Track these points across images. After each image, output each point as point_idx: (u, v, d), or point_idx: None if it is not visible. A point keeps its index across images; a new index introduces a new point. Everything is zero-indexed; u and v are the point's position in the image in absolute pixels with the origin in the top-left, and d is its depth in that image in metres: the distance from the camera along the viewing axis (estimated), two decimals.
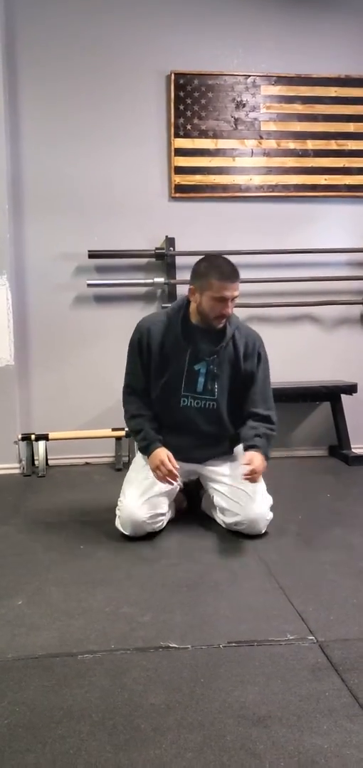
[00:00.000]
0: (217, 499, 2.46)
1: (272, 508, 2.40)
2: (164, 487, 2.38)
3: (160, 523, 2.40)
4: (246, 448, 2.34)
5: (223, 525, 2.44)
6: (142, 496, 2.34)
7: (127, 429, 3.13)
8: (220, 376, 2.39)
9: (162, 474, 2.30)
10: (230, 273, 2.25)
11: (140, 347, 2.40)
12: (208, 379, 2.39)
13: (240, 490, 2.37)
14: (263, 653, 1.56)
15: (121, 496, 2.41)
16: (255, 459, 2.27)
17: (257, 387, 2.43)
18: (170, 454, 2.32)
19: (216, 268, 2.25)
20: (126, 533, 2.36)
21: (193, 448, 2.47)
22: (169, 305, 2.56)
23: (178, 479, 2.37)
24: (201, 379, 2.39)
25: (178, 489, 2.51)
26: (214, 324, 2.32)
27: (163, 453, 2.32)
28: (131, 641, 1.63)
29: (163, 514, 2.40)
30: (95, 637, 1.65)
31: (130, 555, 2.23)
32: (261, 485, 2.40)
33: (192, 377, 2.38)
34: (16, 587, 1.98)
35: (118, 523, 2.40)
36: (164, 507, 2.41)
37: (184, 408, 2.41)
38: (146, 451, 2.38)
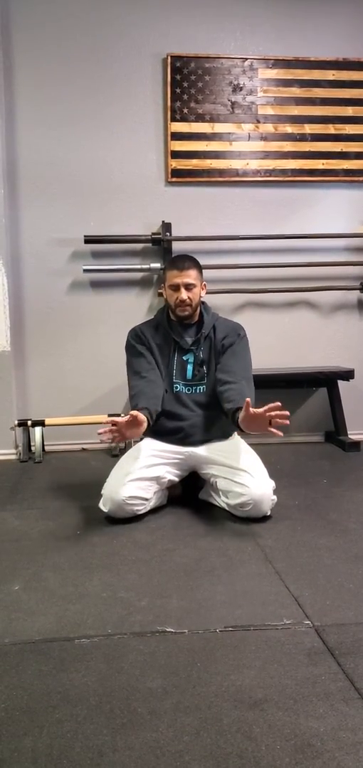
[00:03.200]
0: (220, 483, 2.47)
1: (274, 493, 2.41)
2: (152, 472, 2.43)
3: (142, 508, 2.41)
4: (237, 410, 2.28)
5: (227, 508, 2.45)
6: (126, 476, 2.38)
7: (123, 414, 3.11)
8: (206, 362, 2.59)
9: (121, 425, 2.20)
10: (179, 262, 2.55)
11: (140, 342, 2.61)
12: (195, 366, 2.59)
13: (241, 470, 2.38)
14: (259, 638, 1.57)
15: (108, 478, 2.44)
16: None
17: (235, 359, 2.53)
18: (140, 416, 2.24)
19: (171, 261, 2.63)
20: (105, 511, 2.39)
21: (190, 430, 2.53)
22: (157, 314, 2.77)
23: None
24: (189, 367, 2.59)
25: (167, 479, 2.52)
26: (178, 313, 2.56)
27: (139, 414, 2.26)
28: (128, 626, 1.63)
29: (145, 499, 2.41)
30: (92, 622, 1.65)
31: (127, 540, 2.23)
32: (261, 467, 2.43)
33: (181, 366, 2.60)
34: (12, 572, 1.99)
35: (101, 503, 2.43)
36: (147, 493, 2.43)
37: (178, 393, 2.58)
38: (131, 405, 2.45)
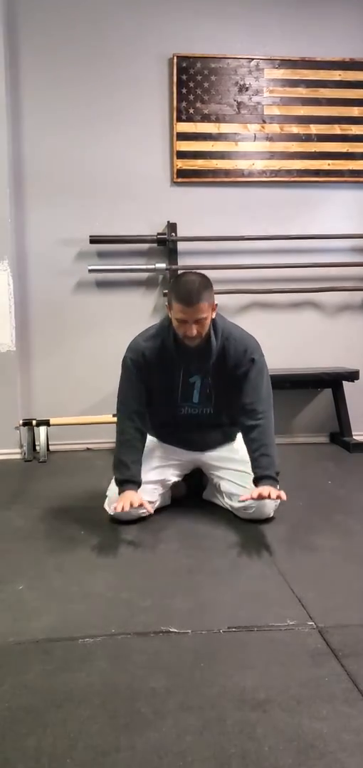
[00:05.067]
0: (224, 485, 2.47)
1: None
2: (157, 475, 2.44)
3: (145, 511, 2.39)
4: (253, 478, 2.31)
5: (231, 509, 2.45)
6: None
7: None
8: (214, 386, 2.43)
9: (123, 507, 2.21)
10: (187, 296, 2.19)
11: (137, 367, 2.37)
12: (203, 391, 2.43)
13: (246, 473, 2.38)
14: (263, 638, 1.57)
15: (113, 480, 2.42)
16: (264, 489, 2.22)
17: (248, 386, 2.36)
18: (143, 500, 2.28)
19: (177, 289, 2.24)
20: (110, 512, 2.38)
21: (194, 438, 2.51)
22: (154, 325, 2.50)
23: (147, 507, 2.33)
24: (196, 392, 2.43)
25: (172, 480, 2.53)
26: (186, 342, 2.30)
27: (134, 496, 2.26)
28: (132, 626, 1.63)
29: (150, 502, 2.39)
30: (96, 622, 1.66)
31: (131, 541, 2.23)
32: None
33: (188, 389, 2.43)
34: (17, 572, 1.99)
35: (106, 503, 2.43)
36: (152, 496, 2.43)
37: (183, 414, 2.48)
38: (119, 485, 2.33)
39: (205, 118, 3.75)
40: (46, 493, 2.89)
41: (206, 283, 2.25)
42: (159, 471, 2.47)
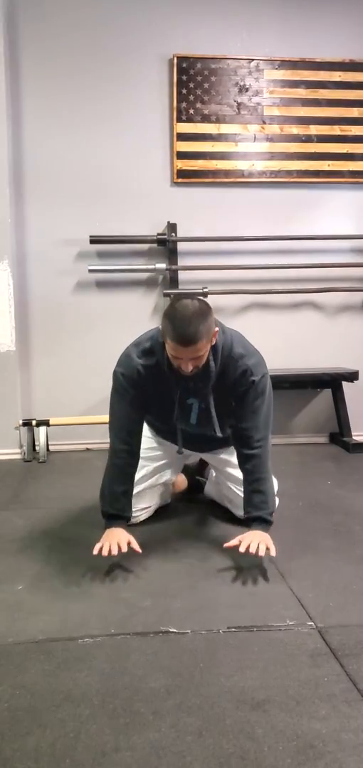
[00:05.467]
0: (224, 489, 2.45)
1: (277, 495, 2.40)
2: (157, 480, 2.39)
3: (143, 515, 2.38)
4: (245, 516, 2.13)
5: (231, 508, 2.44)
6: None
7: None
8: (211, 408, 2.15)
9: (111, 549, 1.95)
10: (182, 336, 1.89)
11: (131, 384, 2.10)
12: (201, 414, 2.18)
13: None
14: (262, 639, 1.57)
15: None
16: (252, 538, 1.98)
17: (247, 409, 2.11)
18: (131, 539, 2.00)
19: (172, 325, 1.91)
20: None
21: (194, 445, 2.38)
22: (148, 335, 2.17)
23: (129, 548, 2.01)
24: (194, 414, 2.20)
25: (172, 480, 2.50)
26: (182, 372, 2.00)
27: (122, 536, 2.00)
28: (131, 626, 1.63)
29: (145, 508, 2.39)
30: (95, 622, 1.66)
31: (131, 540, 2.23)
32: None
33: (185, 410, 2.18)
34: (16, 572, 1.99)
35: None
36: (151, 500, 2.41)
37: (181, 430, 2.24)
38: (106, 519, 2.09)
39: (205, 119, 3.75)
40: (46, 494, 2.90)
41: (204, 316, 1.92)
42: (159, 476, 2.42)
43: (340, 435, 3.82)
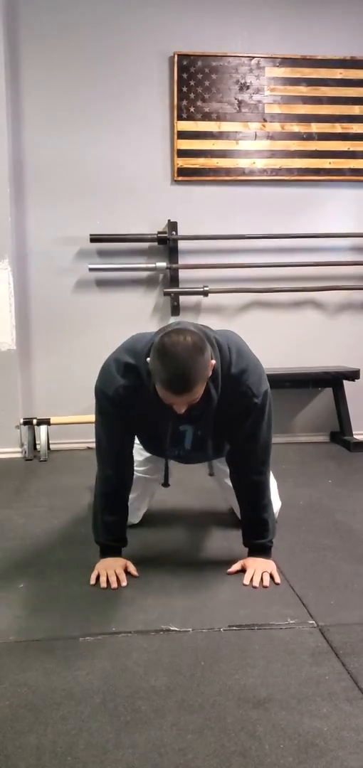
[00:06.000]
0: (227, 497, 2.33)
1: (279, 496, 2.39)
2: (146, 493, 2.29)
3: (135, 520, 2.29)
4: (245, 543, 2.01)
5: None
6: None
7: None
8: (208, 435, 1.94)
9: (106, 580, 1.87)
10: (174, 388, 1.64)
11: (113, 404, 1.84)
12: (195, 439, 1.96)
13: None
14: (264, 637, 1.57)
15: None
16: (256, 568, 1.91)
17: (245, 432, 1.89)
18: (128, 564, 1.94)
19: (162, 372, 1.63)
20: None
21: (187, 460, 2.15)
22: (131, 346, 1.89)
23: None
24: (187, 439, 1.97)
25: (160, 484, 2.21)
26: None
27: (118, 565, 1.92)
28: (132, 624, 1.63)
29: (138, 514, 2.31)
30: (96, 620, 1.66)
31: (131, 539, 2.21)
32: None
33: (178, 436, 1.96)
34: (17, 570, 1.99)
35: None
36: (141, 507, 2.31)
37: (173, 454, 2.05)
38: (101, 549, 1.97)
39: (206, 117, 3.75)
40: (47, 492, 2.90)
41: (199, 354, 1.63)
42: (142, 491, 2.25)
43: (340, 434, 3.82)
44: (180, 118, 3.72)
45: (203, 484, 2.87)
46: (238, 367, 1.84)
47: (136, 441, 2.05)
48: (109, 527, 1.95)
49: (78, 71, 3.66)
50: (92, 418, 1.96)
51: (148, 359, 1.70)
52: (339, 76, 3.81)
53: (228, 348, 1.85)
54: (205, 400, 1.76)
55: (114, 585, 1.85)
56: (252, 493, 1.95)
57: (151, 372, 1.69)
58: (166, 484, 2.05)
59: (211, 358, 1.72)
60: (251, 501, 1.96)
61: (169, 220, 3.70)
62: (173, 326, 1.73)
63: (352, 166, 3.86)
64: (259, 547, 1.96)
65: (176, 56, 3.67)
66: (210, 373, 1.73)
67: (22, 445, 3.65)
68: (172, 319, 3.68)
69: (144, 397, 1.78)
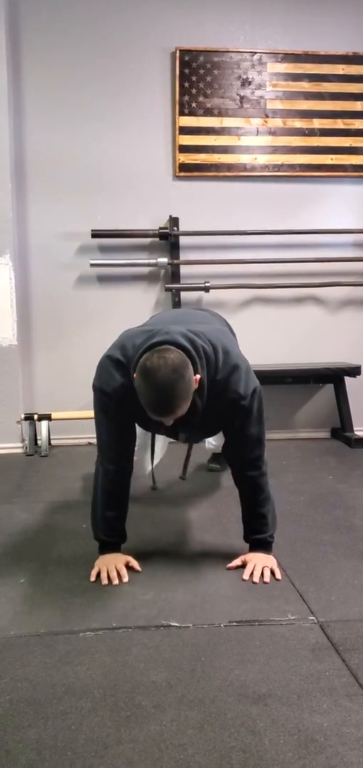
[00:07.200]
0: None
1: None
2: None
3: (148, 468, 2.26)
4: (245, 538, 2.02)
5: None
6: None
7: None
8: (197, 433, 2.01)
9: (107, 576, 1.87)
10: (157, 412, 1.70)
11: (113, 399, 1.88)
12: (190, 437, 2.01)
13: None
14: (264, 633, 1.57)
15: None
16: (256, 563, 1.92)
17: (237, 434, 1.92)
18: (130, 559, 1.94)
19: (145, 395, 1.68)
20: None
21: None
22: (121, 347, 1.91)
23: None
24: (182, 435, 2.00)
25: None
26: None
27: (118, 561, 1.92)
28: (133, 619, 1.64)
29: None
30: (97, 615, 1.66)
31: (132, 534, 2.22)
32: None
33: (171, 433, 2.01)
34: (18, 565, 2.00)
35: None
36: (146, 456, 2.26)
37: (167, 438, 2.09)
38: (100, 545, 1.97)
39: (208, 112, 3.74)
40: (48, 487, 2.90)
41: (181, 376, 1.66)
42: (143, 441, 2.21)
43: (341, 430, 3.82)
44: (182, 113, 3.71)
45: (204, 479, 2.88)
46: (224, 371, 1.85)
47: None
48: (110, 522, 1.95)
49: (80, 67, 3.65)
50: (93, 413, 1.96)
51: (135, 375, 1.73)
52: (341, 72, 3.79)
53: (214, 352, 1.86)
54: (191, 412, 1.77)
55: (115, 581, 1.85)
56: (249, 488, 1.96)
57: (137, 391, 1.71)
58: (154, 487, 2.14)
59: (197, 372, 1.75)
60: (249, 496, 1.97)
61: (170, 216, 3.70)
62: (159, 338, 1.75)
63: (354, 162, 3.84)
64: (259, 542, 1.97)
65: (178, 51, 3.66)
66: (195, 387, 1.75)
67: (23, 440, 3.65)
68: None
69: (137, 398, 1.77)
